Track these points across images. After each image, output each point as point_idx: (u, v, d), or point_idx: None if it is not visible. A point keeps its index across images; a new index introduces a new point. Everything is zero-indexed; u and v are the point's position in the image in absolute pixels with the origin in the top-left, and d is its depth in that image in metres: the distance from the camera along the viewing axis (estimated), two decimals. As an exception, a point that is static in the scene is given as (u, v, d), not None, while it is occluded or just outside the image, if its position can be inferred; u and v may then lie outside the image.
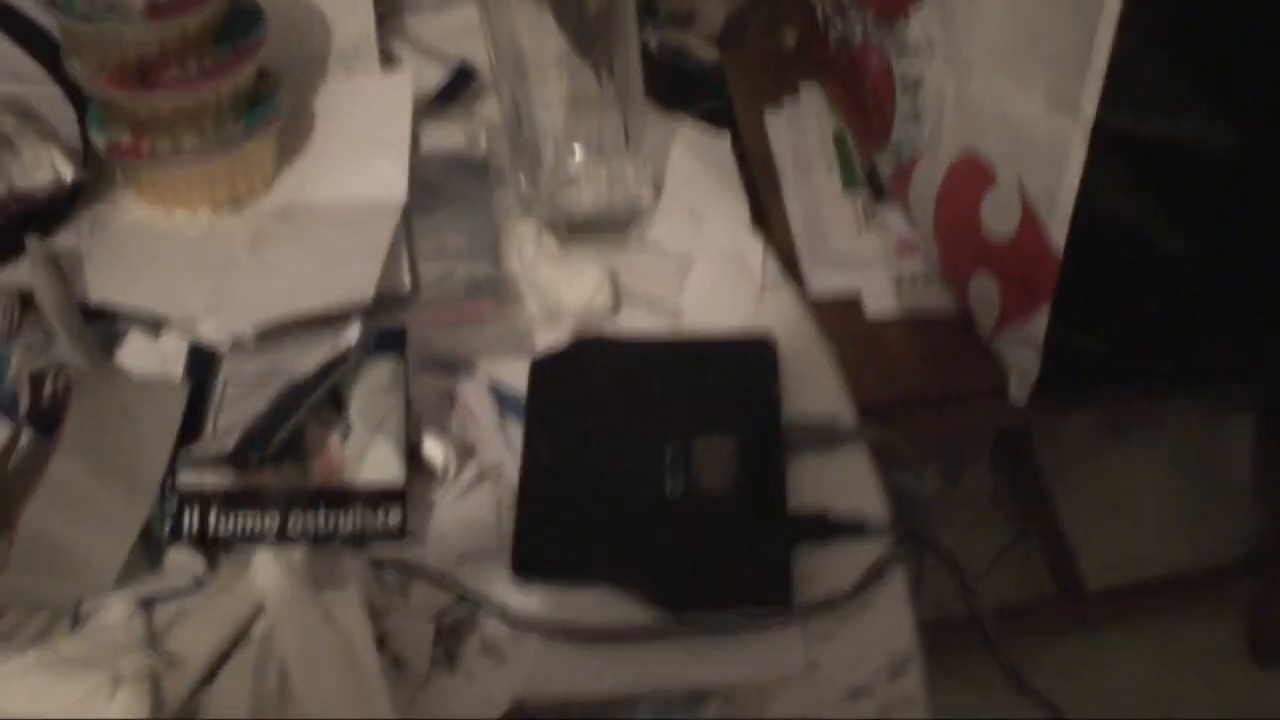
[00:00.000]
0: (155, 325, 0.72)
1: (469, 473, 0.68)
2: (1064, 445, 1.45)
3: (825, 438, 0.69)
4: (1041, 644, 1.32)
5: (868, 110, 1.12)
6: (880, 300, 1.12)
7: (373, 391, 0.66)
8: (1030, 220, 0.94)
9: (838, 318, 1.09)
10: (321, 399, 0.64)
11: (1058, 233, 0.92)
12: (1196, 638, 1.36)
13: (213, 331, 0.70)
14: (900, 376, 1.08)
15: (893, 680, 0.61)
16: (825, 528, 0.65)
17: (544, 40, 0.75)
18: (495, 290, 0.74)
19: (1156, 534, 1.41)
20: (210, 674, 0.59)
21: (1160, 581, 1.33)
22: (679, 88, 1.41)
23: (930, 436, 1.39)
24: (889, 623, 0.63)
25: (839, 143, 1.23)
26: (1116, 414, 1.45)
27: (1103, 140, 0.88)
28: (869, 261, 1.14)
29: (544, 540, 0.65)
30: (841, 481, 0.68)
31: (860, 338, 1.09)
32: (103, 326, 0.72)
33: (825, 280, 1.13)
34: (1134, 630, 1.35)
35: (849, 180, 1.20)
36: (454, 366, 0.73)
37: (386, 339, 0.67)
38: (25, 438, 0.65)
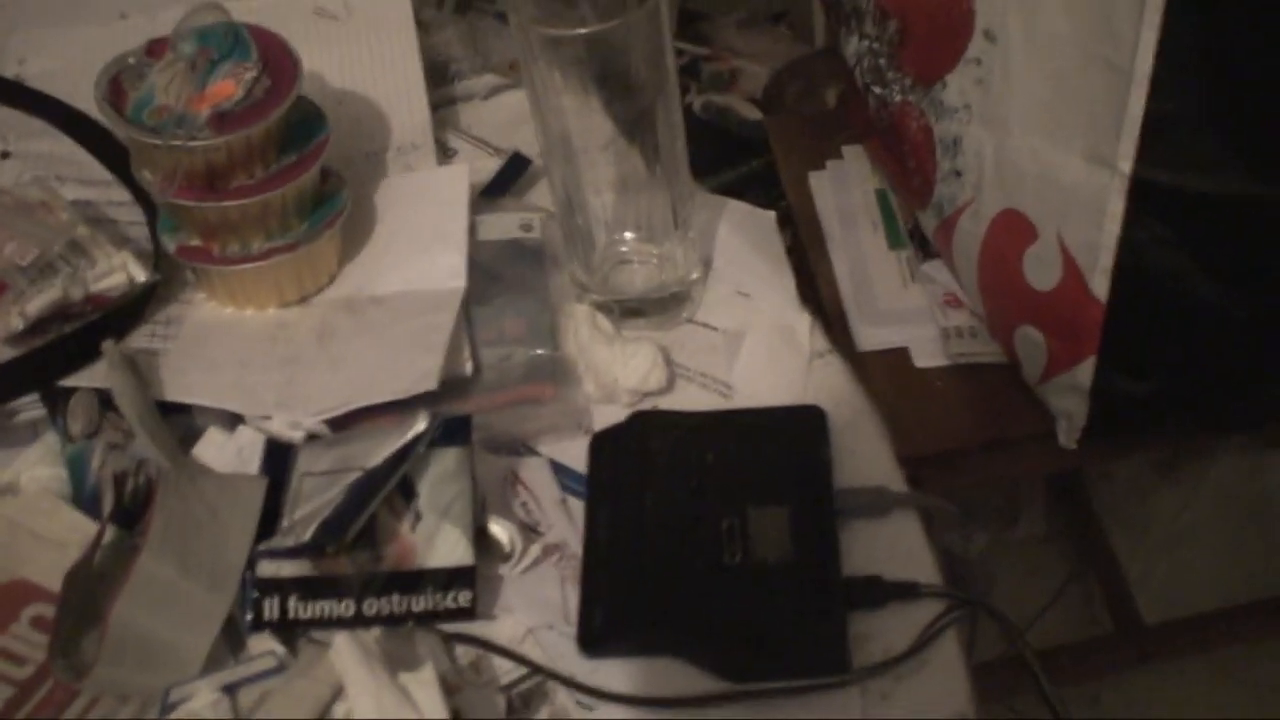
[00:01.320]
0: (230, 420, 0.75)
1: (534, 550, 0.70)
2: (1116, 485, 1.46)
3: (876, 504, 0.71)
4: (1102, 682, 1.33)
5: (909, 170, 1.15)
6: (928, 353, 1.14)
7: (440, 478, 0.69)
8: (1073, 273, 0.96)
9: (887, 371, 1.12)
10: (392, 488, 0.68)
11: (1100, 285, 0.94)
12: (1255, 670, 1.36)
13: (285, 425, 0.73)
14: (951, 426, 1.10)
15: (951, 741, 0.63)
16: (879, 592, 0.68)
17: (592, 127, 0.78)
18: (553, 372, 0.77)
19: (1211, 569, 1.41)
20: (296, 755, 0.62)
21: (1217, 614, 1.33)
22: (724, 148, 1.45)
23: (982, 484, 1.41)
24: (945, 682, 0.65)
25: (882, 201, 1.25)
26: (1166, 453, 1.46)
27: (1141, 195, 0.89)
28: (916, 316, 1.16)
29: (608, 614, 0.68)
30: (893, 546, 0.71)
31: (910, 390, 1.11)
32: (180, 422, 0.75)
33: (873, 336, 1.15)
34: (1193, 665, 1.35)
35: (893, 237, 1.22)
36: (515, 447, 0.76)
37: (452, 428, 0.70)
38: (109, 534, 0.68)
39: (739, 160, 1.41)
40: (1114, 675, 1.33)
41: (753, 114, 1.54)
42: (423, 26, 0.99)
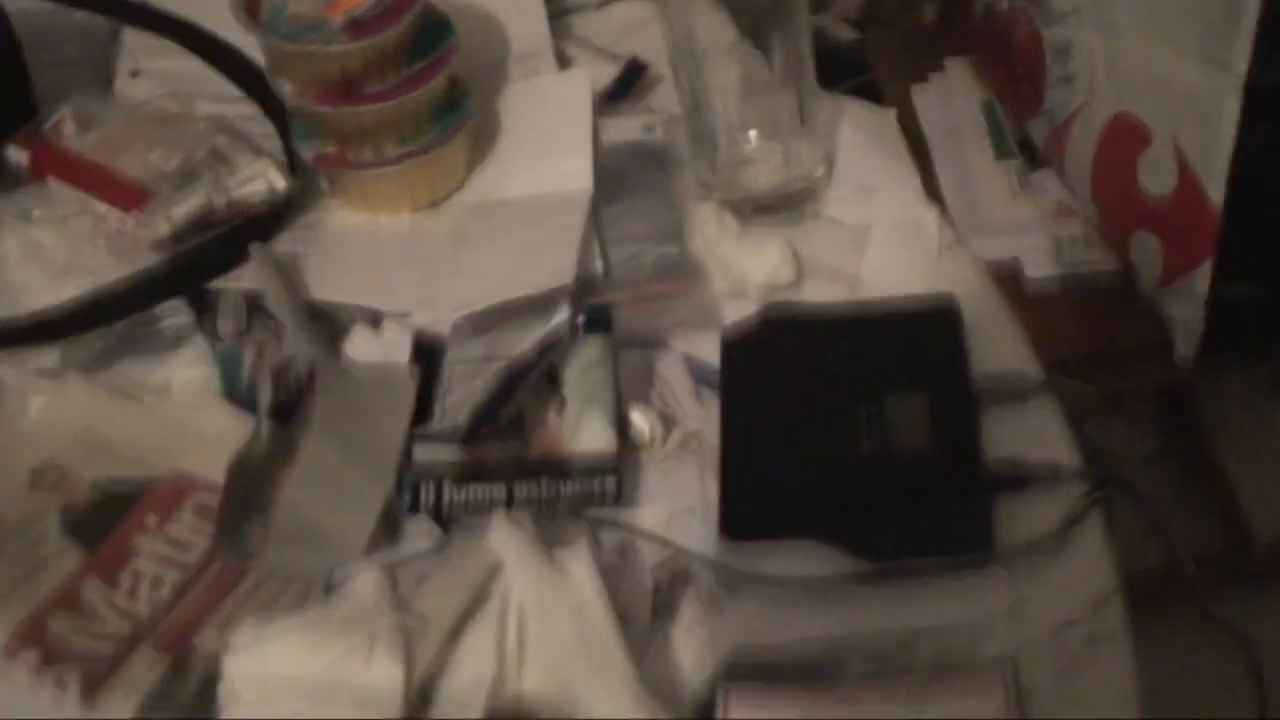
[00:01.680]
0: (374, 319, 0.77)
1: (673, 440, 0.72)
2: (1228, 403, 1.45)
3: (1015, 391, 0.72)
4: (1216, 598, 1.32)
5: (1017, 78, 1.14)
6: (1040, 265, 1.14)
7: (584, 368, 0.70)
8: (1188, 178, 0.96)
9: (999, 282, 1.11)
10: (540, 377, 0.69)
11: (1216, 190, 0.94)
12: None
13: (430, 322, 0.75)
14: (1065, 338, 1.09)
15: (1096, 614, 0.64)
16: (1021, 477, 0.68)
17: (717, 30, 0.79)
18: (683, 269, 0.78)
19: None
20: (455, 631, 0.64)
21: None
22: (821, 70, 1.44)
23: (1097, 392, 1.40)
24: (1089, 562, 0.66)
25: (988, 113, 1.25)
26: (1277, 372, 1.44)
27: (1257, 97, 0.89)
28: (1026, 227, 1.16)
29: (748, 502, 0.69)
30: (1033, 433, 0.71)
31: (1022, 302, 1.11)
32: (325, 323, 0.77)
33: (983, 248, 1.14)
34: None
35: (1001, 149, 1.22)
36: (649, 343, 0.77)
37: (594, 319, 0.72)
38: (268, 427, 0.70)
39: (839, 80, 1.40)
40: (1224, 592, 1.32)
41: (849, 34, 1.53)
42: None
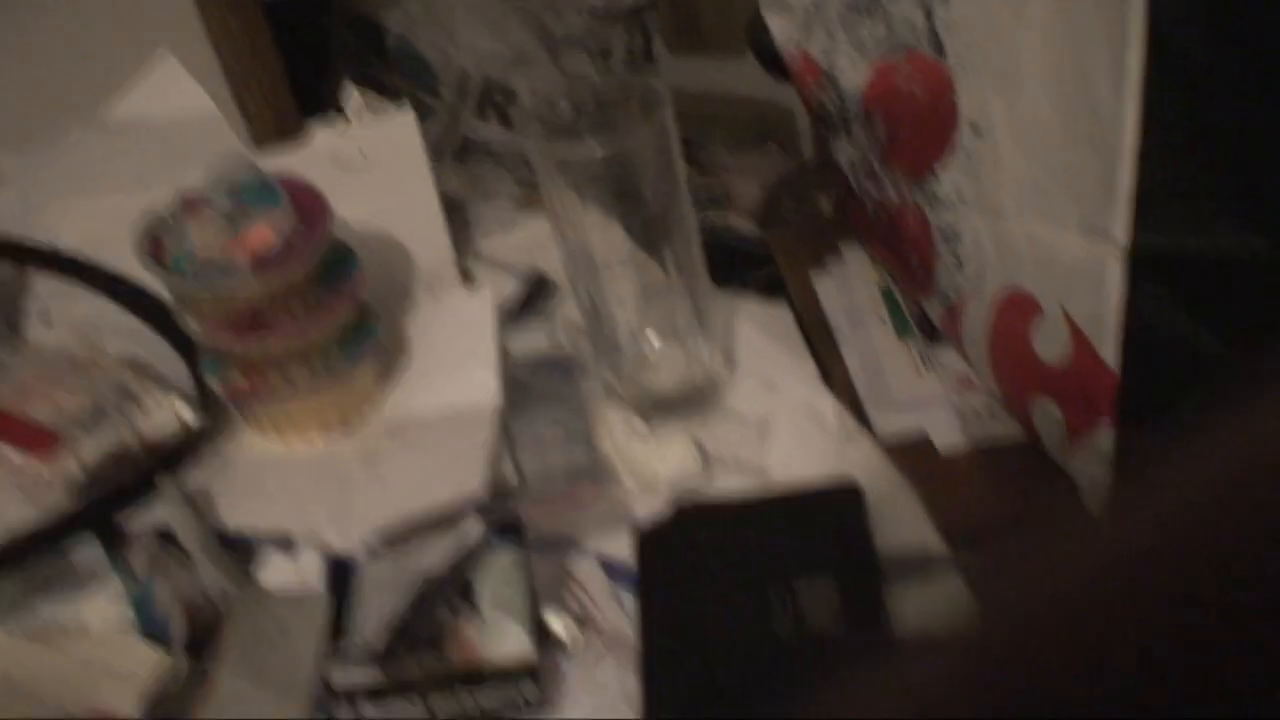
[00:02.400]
0: (287, 543, 0.78)
1: (591, 644, 0.72)
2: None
3: (920, 568, 0.74)
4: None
5: (911, 263, 1.19)
6: (948, 436, 1.16)
7: (498, 577, 0.71)
8: (1081, 344, 0.99)
9: (908, 459, 1.14)
10: (454, 590, 0.70)
11: (1110, 353, 0.97)
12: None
13: (341, 541, 0.76)
14: (979, 506, 1.11)
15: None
16: (931, 651, 0.69)
17: (612, 241, 0.82)
18: (594, 473, 0.80)
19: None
20: None
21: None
22: (726, 263, 1.49)
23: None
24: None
25: (886, 295, 1.29)
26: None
27: (1139, 262, 0.93)
28: (932, 402, 1.19)
29: (670, 698, 0.70)
30: (940, 606, 0.72)
31: (933, 475, 1.13)
32: (240, 552, 0.78)
33: (892, 424, 1.17)
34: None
35: (901, 329, 1.26)
36: (563, 546, 0.78)
37: (504, 528, 0.73)
38: (181, 662, 0.70)
39: (744, 273, 1.45)
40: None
41: (750, 228, 1.59)
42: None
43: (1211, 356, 0.97)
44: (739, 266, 1.46)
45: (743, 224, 1.60)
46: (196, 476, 0.83)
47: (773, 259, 1.41)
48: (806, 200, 1.54)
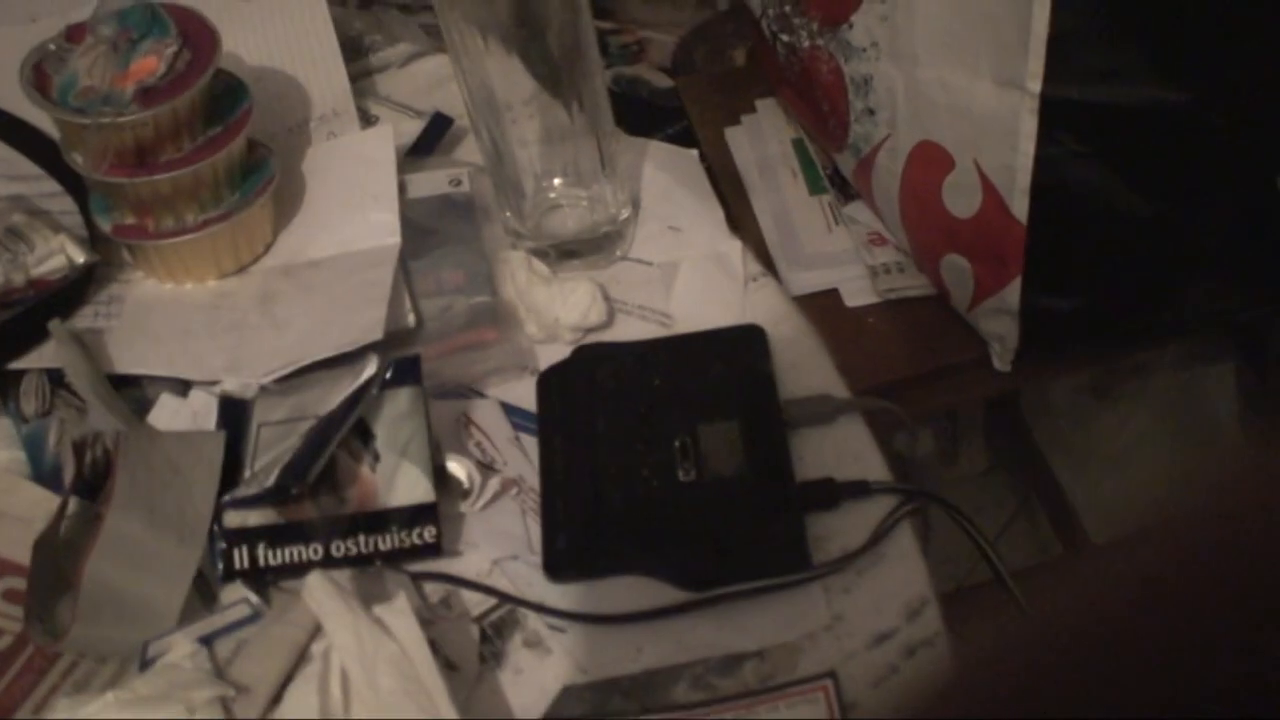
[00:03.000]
0: (181, 388, 0.76)
1: (492, 485, 0.72)
2: (1054, 412, 1.49)
3: (822, 411, 0.74)
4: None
5: (823, 114, 1.17)
6: (858, 292, 1.16)
7: (395, 419, 0.70)
8: (992, 197, 0.99)
9: (819, 314, 1.13)
10: (349, 431, 0.69)
11: (1019, 206, 0.97)
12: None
13: (235, 384, 0.74)
14: (886, 361, 1.12)
15: (912, 621, 0.65)
16: (832, 493, 0.70)
17: (515, 82, 0.80)
18: (495, 316, 0.79)
19: (1156, 485, 1.44)
20: (277, 696, 0.63)
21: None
22: (639, 118, 1.47)
23: (922, 416, 1.43)
24: (903, 571, 0.67)
25: (799, 149, 1.28)
26: (1101, 375, 1.49)
27: (1051, 112, 0.92)
28: (843, 257, 1.19)
29: (570, 539, 0.70)
30: (842, 451, 0.73)
31: (843, 330, 1.14)
32: (130, 396, 0.76)
33: (803, 281, 1.17)
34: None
35: (814, 183, 1.25)
36: (464, 392, 0.77)
37: (402, 369, 0.72)
38: (73, 505, 0.69)
39: (656, 127, 1.43)
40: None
41: (664, 82, 1.56)
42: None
43: (1125, 211, 0.97)
44: (651, 121, 1.44)
45: (656, 77, 1.58)
46: (87, 317, 0.80)
47: (685, 112, 1.40)
48: (720, 51, 1.52)
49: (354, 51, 0.98)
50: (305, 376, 0.73)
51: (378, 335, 0.75)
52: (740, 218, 1.24)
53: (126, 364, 0.76)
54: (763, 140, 1.30)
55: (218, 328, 0.79)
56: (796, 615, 0.66)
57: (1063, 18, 0.89)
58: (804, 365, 0.77)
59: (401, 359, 0.72)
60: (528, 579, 0.69)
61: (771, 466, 0.70)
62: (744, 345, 0.76)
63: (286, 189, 0.85)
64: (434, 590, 0.69)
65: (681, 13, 1.62)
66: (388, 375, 0.71)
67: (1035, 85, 0.92)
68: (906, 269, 1.17)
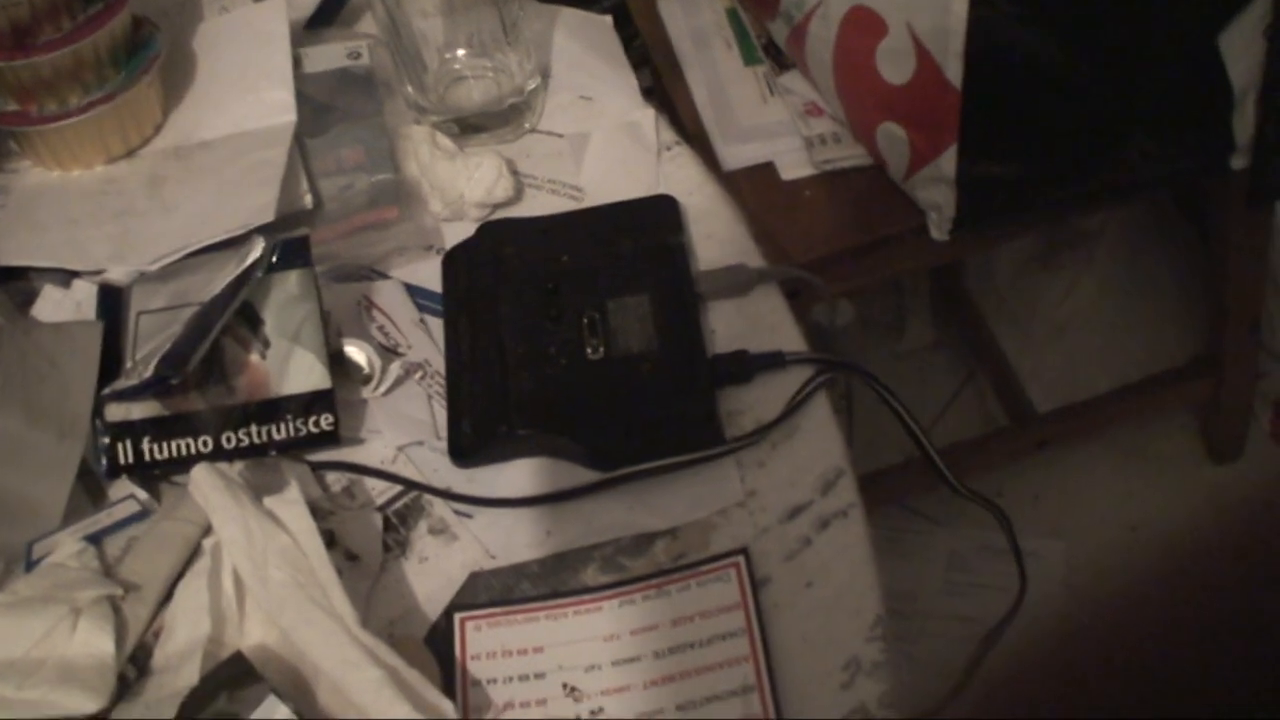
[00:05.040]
0: (67, 279, 0.72)
1: (394, 370, 0.69)
2: (998, 282, 1.47)
3: (736, 282, 0.71)
4: (1005, 472, 1.34)
5: (755, -20, 1.13)
6: (794, 164, 1.13)
7: (285, 303, 0.67)
8: (926, 62, 0.96)
9: (755, 188, 1.11)
10: (232, 316, 0.65)
11: (954, 70, 0.94)
12: (1154, 446, 1.39)
13: (123, 274, 0.71)
14: (824, 233, 1.09)
15: (826, 494, 0.63)
16: (745, 366, 0.67)
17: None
18: (397, 194, 0.75)
19: (1099, 352, 1.43)
20: (168, 594, 0.60)
21: (1109, 395, 1.34)
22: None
23: (864, 289, 1.41)
24: (818, 442, 0.65)
25: (733, 19, 1.23)
26: (1044, 244, 1.47)
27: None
28: (778, 129, 1.15)
29: (477, 422, 0.67)
30: (757, 323, 0.70)
31: (780, 203, 1.10)
32: (17, 289, 0.73)
33: (738, 153, 1.14)
34: (1092, 447, 1.37)
35: (748, 54, 1.21)
36: (367, 274, 0.74)
37: (290, 250, 0.68)
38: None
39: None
40: (1014, 465, 1.34)
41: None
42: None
43: (1061, 73, 0.94)
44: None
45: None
46: (-33, 210, 0.77)
47: (617, -20, 1.35)
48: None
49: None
50: (189, 261, 0.70)
51: (269, 217, 0.71)
52: (674, 90, 1.20)
53: (9, 255, 0.73)
54: (696, 10, 1.25)
55: (104, 215, 0.75)
56: (709, 492, 0.64)
57: None
58: (720, 235, 0.74)
59: (289, 239, 0.68)
60: (434, 464, 0.67)
61: (683, 341, 0.67)
62: (656, 217, 0.73)
63: (177, 67, 0.81)
64: (336, 479, 0.66)
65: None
66: (274, 258, 0.67)
67: (968, -56, 0.88)
68: (843, 139, 1.13)
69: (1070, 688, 1.16)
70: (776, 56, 1.19)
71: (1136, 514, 1.34)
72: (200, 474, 0.61)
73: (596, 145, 0.78)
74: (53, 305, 0.70)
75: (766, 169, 1.13)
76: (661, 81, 1.23)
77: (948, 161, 1.00)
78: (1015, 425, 1.36)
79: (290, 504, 0.60)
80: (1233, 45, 0.97)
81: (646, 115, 0.80)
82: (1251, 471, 1.36)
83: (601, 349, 0.67)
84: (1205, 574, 1.27)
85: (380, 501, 0.66)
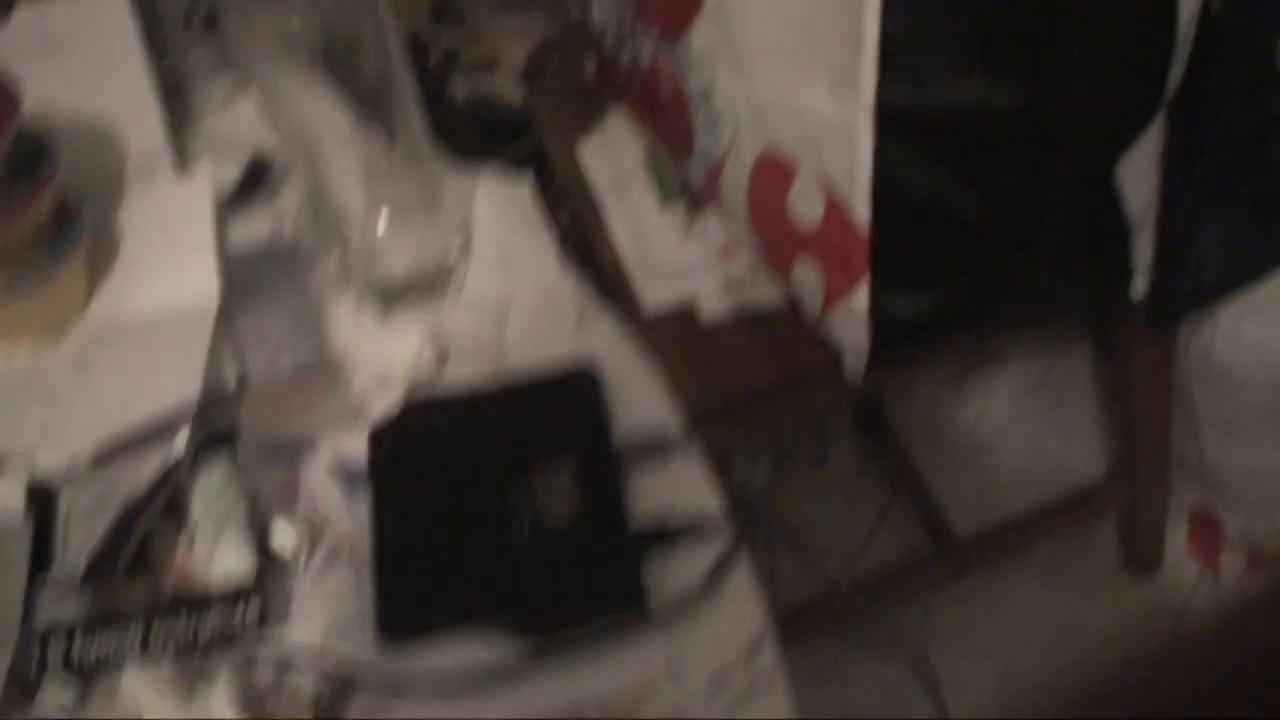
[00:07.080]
0: (-6, 466, 0.72)
1: (322, 552, 0.69)
2: (915, 406, 1.50)
3: (657, 449, 0.72)
4: (931, 598, 1.36)
5: (669, 126, 1.16)
6: (713, 304, 1.15)
7: (211, 492, 0.68)
8: (834, 203, 0.99)
9: (675, 329, 1.13)
10: (159, 510, 0.66)
11: (861, 211, 0.97)
12: (1075, 561, 1.41)
13: (50, 460, 0.71)
14: (743, 374, 1.11)
15: (750, 660, 0.64)
16: (667, 535, 0.69)
17: (330, 119, 0.77)
18: (323, 367, 0.77)
19: (1014, 473, 1.46)
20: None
21: (1027, 515, 1.37)
22: (490, 134, 1.45)
23: (785, 427, 1.43)
24: (740, 607, 0.67)
25: (650, 161, 1.27)
26: (957, 368, 1.50)
27: (886, 117, 0.92)
28: (696, 269, 1.18)
29: (405, 601, 0.68)
30: (679, 487, 0.72)
31: (699, 346, 1.13)
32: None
33: (658, 293, 1.16)
34: (1015, 565, 1.39)
35: (666, 195, 1.24)
36: (297, 450, 0.75)
37: (216, 441, 0.69)
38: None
39: (506, 144, 1.41)
40: (940, 591, 1.36)
41: (517, 96, 1.54)
42: (170, 45, 0.97)
43: (964, 213, 0.97)
44: (502, 136, 1.42)
45: (507, 90, 1.56)
46: (-109, 396, 0.77)
47: (536, 127, 1.38)
48: (573, 60, 1.50)
49: (180, 92, 0.95)
50: (115, 455, 0.70)
51: (192, 399, 0.72)
52: (594, 233, 1.22)
53: (-67, 444, 0.73)
54: (615, 153, 1.29)
55: (30, 397, 0.75)
56: (636, 660, 0.65)
57: (893, 24, 0.89)
58: (640, 398, 0.75)
59: (214, 431, 0.69)
60: (366, 640, 0.67)
61: (607, 512, 0.69)
62: (576, 385, 0.75)
63: (101, 245, 0.82)
64: (265, 667, 0.66)
65: (533, 22, 1.59)
66: (198, 445, 0.68)
67: (869, 90, 0.92)
68: (760, 278, 1.16)
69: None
70: (694, 196, 1.22)
71: (1062, 628, 1.36)
72: (130, 681, 0.61)
73: (518, 312, 0.80)
74: (-20, 500, 0.71)
75: (685, 312, 1.15)
76: (580, 224, 1.25)
77: (859, 299, 1.02)
78: (937, 551, 1.38)
79: (220, 695, 0.61)
80: (1129, 174, 1.01)
81: (565, 280, 0.82)
82: (1169, 583, 1.39)
83: (526, 524, 0.69)
84: (1132, 684, 1.29)
85: (312, 688, 0.66)
